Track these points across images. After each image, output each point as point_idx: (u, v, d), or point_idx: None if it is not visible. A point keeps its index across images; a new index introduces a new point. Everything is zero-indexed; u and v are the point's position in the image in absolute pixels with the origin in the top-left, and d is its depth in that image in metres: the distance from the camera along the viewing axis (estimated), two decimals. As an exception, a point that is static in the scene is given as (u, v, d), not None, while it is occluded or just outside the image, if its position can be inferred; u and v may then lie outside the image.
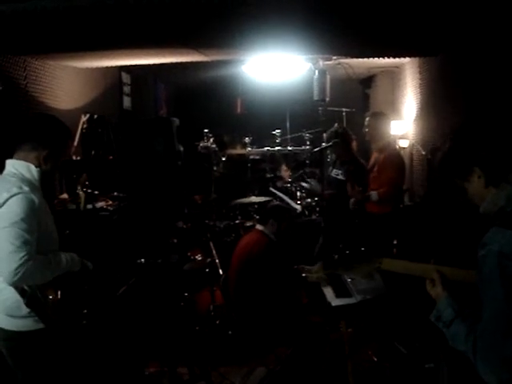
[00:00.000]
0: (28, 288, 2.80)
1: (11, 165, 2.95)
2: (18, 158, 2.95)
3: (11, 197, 2.77)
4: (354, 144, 6.55)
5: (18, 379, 2.98)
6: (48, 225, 2.96)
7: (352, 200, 5.89)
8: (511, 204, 2.00)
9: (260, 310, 4.50)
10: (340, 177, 6.33)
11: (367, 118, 5.97)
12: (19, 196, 2.78)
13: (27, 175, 2.91)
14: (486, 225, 2.00)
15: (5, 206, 2.76)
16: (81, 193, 3.66)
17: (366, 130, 5.90)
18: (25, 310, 2.83)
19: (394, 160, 5.77)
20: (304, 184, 7.61)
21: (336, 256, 2.38)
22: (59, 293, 2.91)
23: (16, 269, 2.67)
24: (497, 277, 1.88)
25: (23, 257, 2.68)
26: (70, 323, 2.99)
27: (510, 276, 1.87)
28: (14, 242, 2.69)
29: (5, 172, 2.96)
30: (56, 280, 2.90)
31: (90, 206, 4.83)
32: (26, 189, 2.82)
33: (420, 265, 2.32)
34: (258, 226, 4.87)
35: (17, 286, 2.78)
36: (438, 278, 2.20)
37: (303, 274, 4.60)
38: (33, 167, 2.93)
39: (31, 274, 2.73)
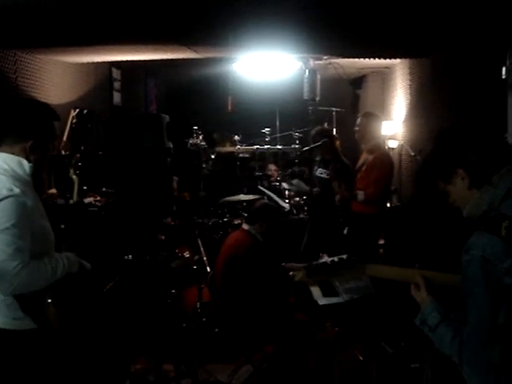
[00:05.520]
0: (26, 293, 2.66)
1: (2, 159, 2.72)
2: (3, 152, 2.75)
3: (1, 200, 2.58)
4: (338, 143, 6.58)
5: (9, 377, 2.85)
6: (42, 225, 2.79)
7: (338, 197, 5.90)
8: (494, 208, 2.01)
9: (246, 308, 4.50)
10: (324, 176, 6.35)
11: (359, 118, 5.97)
12: (10, 199, 2.59)
13: (19, 171, 2.71)
14: (472, 228, 2.00)
15: None
16: (74, 177, 3.42)
17: (357, 129, 5.90)
18: (21, 312, 2.69)
19: (383, 161, 5.77)
20: (287, 185, 7.60)
21: (318, 263, 2.36)
22: (58, 296, 2.76)
23: (10, 279, 2.53)
24: (481, 282, 1.89)
25: (17, 266, 2.52)
26: (69, 327, 2.85)
27: (493, 281, 1.87)
28: (5, 250, 2.52)
29: None
30: (54, 283, 2.75)
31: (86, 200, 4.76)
32: (17, 190, 2.62)
33: (404, 270, 2.29)
34: (245, 225, 4.86)
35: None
36: (422, 283, 2.19)
37: (290, 273, 4.60)
38: (25, 162, 2.72)
39: (26, 284, 2.59)
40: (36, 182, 2.88)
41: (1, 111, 2.93)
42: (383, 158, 5.80)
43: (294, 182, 7.47)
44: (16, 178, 2.70)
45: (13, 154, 2.74)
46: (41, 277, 2.67)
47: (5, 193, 2.60)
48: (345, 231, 6.25)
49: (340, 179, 5.86)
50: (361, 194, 5.64)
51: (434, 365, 3.26)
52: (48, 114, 2.89)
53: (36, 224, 2.73)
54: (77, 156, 3.50)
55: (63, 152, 5.78)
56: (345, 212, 6.00)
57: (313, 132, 6.59)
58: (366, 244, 5.59)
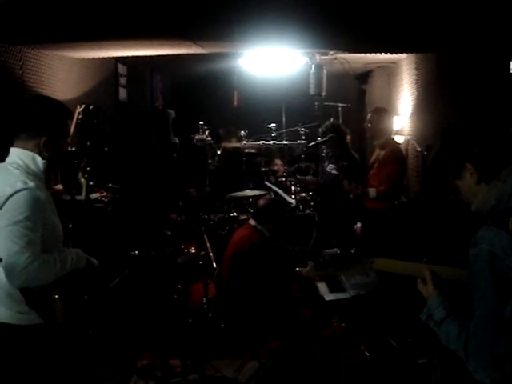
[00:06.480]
0: (33, 287, 2.68)
1: (16, 154, 2.78)
2: (18, 147, 2.79)
3: (15, 193, 2.61)
4: (349, 138, 6.53)
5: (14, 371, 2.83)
6: (53, 221, 2.82)
7: (351, 195, 5.88)
8: (503, 203, 2.00)
9: (252, 304, 4.50)
10: (334, 171, 6.33)
11: (369, 114, 5.92)
12: (24, 192, 2.62)
13: (32, 167, 2.76)
14: (479, 223, 2.00)
15: (8, 203, 2.61)
16: (82, 180, 3.46)
17: (368, 125, 5.83)
18: (27, 307, 2.70)
19: (394, 156, 5.68)
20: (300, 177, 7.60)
21: (326, 257, 2.38)
22: (65, 291, 2.78)
23: (20, 271, 2.55)
24: (488, 276, 1.89)
25: (28, 258, 2.55)
26: (76, 322, 2.86)
27: (500, 275, 1.87)
28: (17, 242, 2.55)
29: (8, 161, 2.79)
30: (61, 278, 2.77)
31: (92, 196, 4.77)
32: (31, 184, 2.66)
33: (412, 264, 2.31)
34: (251, 221, 4.86)
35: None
36: (429, 277, 2.19)
37: (297, 269, 4.60)
38: (39, 158, 2.77)
39: (36, 277, 2.61)
40: (45, 178, 2.91)
41: (16, 107, 2.98)
42: (393, 154, 5.70)
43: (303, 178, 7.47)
44: (29, 173, 2.75)
45: (26, 149, 2.79)
46: (50, 270, 2.70)
47: (19, 186, 2.64)
48: (356, 226, 6.21)
49: (349, 176, 5.81)
50: (372, 192, 5.58)
51: (442, 360, 3.25)
52: (63, 111, 2.95)
53: (47, 219, 2.76)
54: (85, 160, 3.53)
55: (69, 148, 5.79)
56: (359, 208, 5.96)
57: (322, 127, 6.57)
58: (378, 240, 5.55)
